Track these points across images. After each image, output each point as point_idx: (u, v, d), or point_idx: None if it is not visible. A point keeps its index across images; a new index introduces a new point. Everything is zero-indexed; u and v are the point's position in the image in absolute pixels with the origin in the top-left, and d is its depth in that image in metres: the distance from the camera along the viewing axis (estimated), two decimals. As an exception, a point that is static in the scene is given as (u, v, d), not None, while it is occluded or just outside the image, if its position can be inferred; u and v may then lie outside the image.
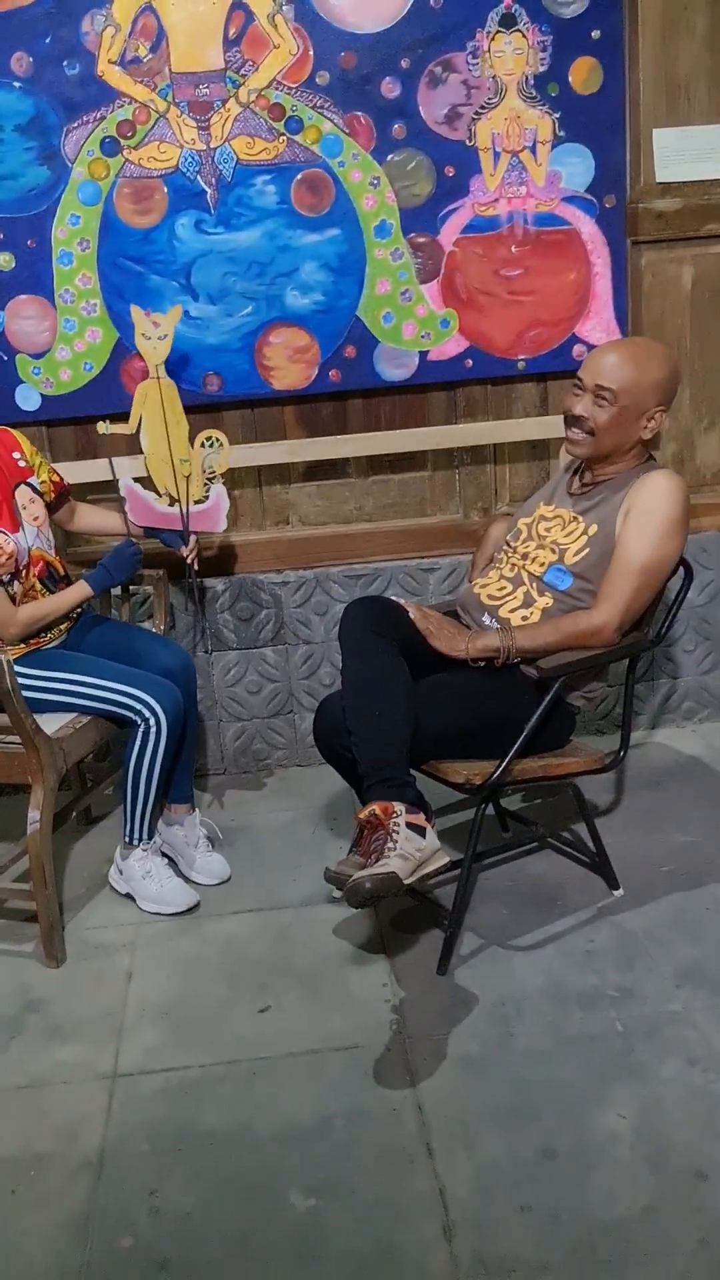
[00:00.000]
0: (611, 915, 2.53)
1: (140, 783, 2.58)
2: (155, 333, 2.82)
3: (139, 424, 2.86)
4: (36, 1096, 2.10)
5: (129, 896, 2.71)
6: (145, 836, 2.65)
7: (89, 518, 2.90)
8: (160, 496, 2.88)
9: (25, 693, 2.41)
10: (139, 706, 2.55)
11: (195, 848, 2.79)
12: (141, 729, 2.55)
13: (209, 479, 2.87)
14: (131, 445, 2.93)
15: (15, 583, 2.59)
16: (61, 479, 2.80)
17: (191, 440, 2.86)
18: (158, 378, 2.84)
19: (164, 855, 2.77)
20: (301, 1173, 1.87)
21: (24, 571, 2.61)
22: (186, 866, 2.79)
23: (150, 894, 2.66)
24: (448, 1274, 1.67)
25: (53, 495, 2.76)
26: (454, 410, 3.23)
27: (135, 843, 2.65)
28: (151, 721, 2.55)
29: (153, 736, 2.56)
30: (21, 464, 2.67)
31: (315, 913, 2.62)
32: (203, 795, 3.23)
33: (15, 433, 2.71)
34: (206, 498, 2.87)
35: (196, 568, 2.92)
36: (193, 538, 2.88)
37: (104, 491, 3.03)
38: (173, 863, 2.79)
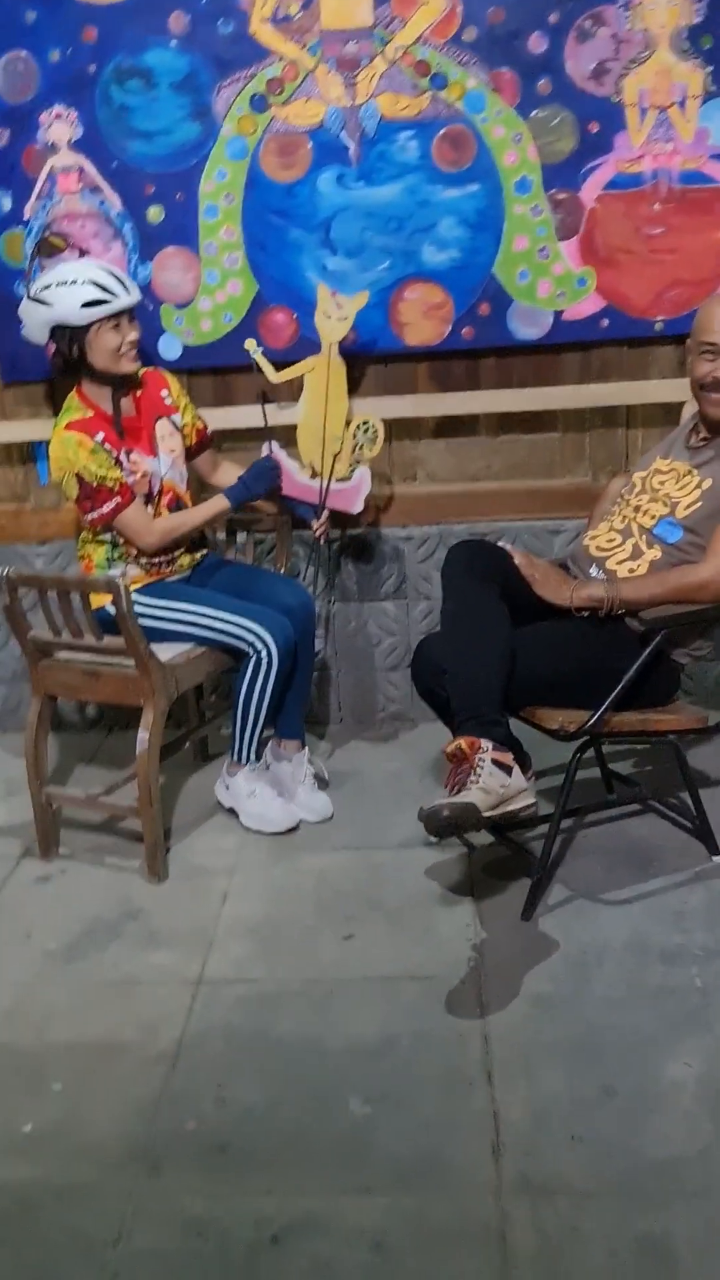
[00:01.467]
0: (708, 879, 2.49)
1: (251, 709, 2.69)
2: (337, 313, 2.91)
3: (302, 400, 2.96)
4: (126, 993, 2.23)
5: (232, 812, 2.82)
6: (253, 759, 2.76)
7: (230, 475, 2.99)
8: (303, 467, 2.96)
9: (142, 620, 2.54)
10: (251, 638, 2.64)
11: (302, 784, 2.88)
12: (253, 659, 2.65)
13: (356, 461, 2.94)
14: (284, 394, 3.04)
15: (149, 506, 2.73)
16: (205, 426, 2.93)
17: (348, 422, 2.93)
18: (328, 355, 2.93)
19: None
20: (363, 1083, 1.93)
21: (156, 499, 2.75)
22: (290, 801, 2.87)
23: (253, 811, 2.77)
24: (490, 1189, 1.70)
25: (195, 440, 2.89)
26: (588, 371, 3.20)
27: (243, 762, 2.76)
28: (264, 653, 2.64)
29: (264, 667, 2.65)
30: (167, 401, 2.83)
31: (409, 854, 2.66)
32: (317, 742, 3.31)
33: (167, 374, 2.89)
34: (349, 477, 2.94)
35: (323, 541, 3.00)
36: (325, 513, 2.95)
37: (241, 441, 3.14)
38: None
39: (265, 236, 3.06)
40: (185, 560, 2.85)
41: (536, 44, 2.91)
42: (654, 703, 2.43)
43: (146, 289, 3.10)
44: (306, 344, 3.08)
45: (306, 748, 2.93)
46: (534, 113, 2.95)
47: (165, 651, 2.63)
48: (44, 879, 2.69)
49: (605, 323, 3.10)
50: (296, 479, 2.95)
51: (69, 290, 2.60)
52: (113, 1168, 1.79)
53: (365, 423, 2.94)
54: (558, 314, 3.10)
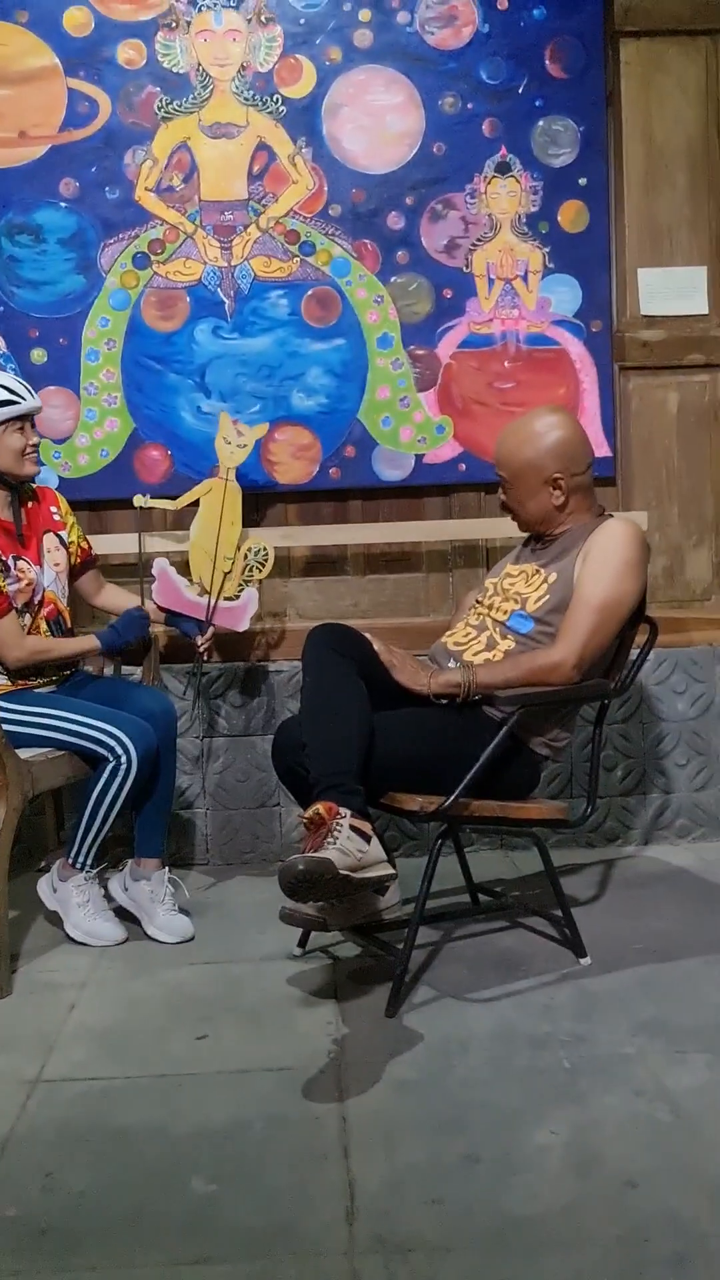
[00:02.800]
0: (576, 979, 2.44)
1: (100, 812, 2.61)
2: (237, 440, 3.04)
3: (196, 521, 3.04)
4: (-47, 1095, 2.03)
5: (55, 915, 2.72)
6: (89, 864, 2.67)
7: (114, 597, 3.02)
8: (192, 584, 3.02)
9: (3, 726, 2.49)
10: (111, 742, 2.60)
11: (160, 903, 2.76)
12: (111, 763, 2.59)
13: (245, 582, 3.03)
14: (158, 524, 3.14)
15: (26, 615, 2.72)
16: (90, 547, 2.98)
17: (238, 545, 3.03)
18: (225, 479, 3.04)
19: (121, 907, 2.76)
20: (208, 1164, 1.78)
21: (36, 608, 2.75)
22: (150, 923, 2.74)
23: (82, 925, 2.67)
24: (341, 1250, 1.55)
25: (79, 559, 2.94)
26: (448, 512, 3.39)
27: (78, 866, 2.66)
28: (123, 758, 2.59)
29: (120, 772, 2.59)
30: (56, 517, 2.89)
31: (272, 965, 2.55)
32: (184, 873, 3.19)
33: (56, 493, 2.96)
34: (237, 597, 3.02)
35: (206, 659, 3.04)
36: (210, 629, 3.00)
37: (122, 575, 3.19)
38: (127, 913, 2.76)
39: (143, 379, 3.23)
40: (54, 677, 2.83)
41: (395, 221, 3.24)
42: (514, 795, 2.45)
43: (25, 424, 3.21)
44: (180, 480, 3.23)
45: (166, 867, 2.83)
46: (393, 279, 3.25)
47: (23, 753, 2.56)
48: None
49: (463, 467, 3.32)
50: (185, 595, 3.00)
51: None
52: None
53: (260, 548, 3.04)
54: (419, 458, 3.30)
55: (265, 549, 3.05)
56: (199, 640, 2.99)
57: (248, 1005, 2.35)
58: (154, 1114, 1.93)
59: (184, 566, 3.06)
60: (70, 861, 2.68)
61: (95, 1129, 1.89)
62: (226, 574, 3.00)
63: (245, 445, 3.06)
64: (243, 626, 3.03)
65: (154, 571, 3.00)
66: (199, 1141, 1.84)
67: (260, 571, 3.05)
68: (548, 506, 2.48)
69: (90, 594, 3.01)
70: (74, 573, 2.93)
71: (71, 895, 2.67)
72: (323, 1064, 2.09)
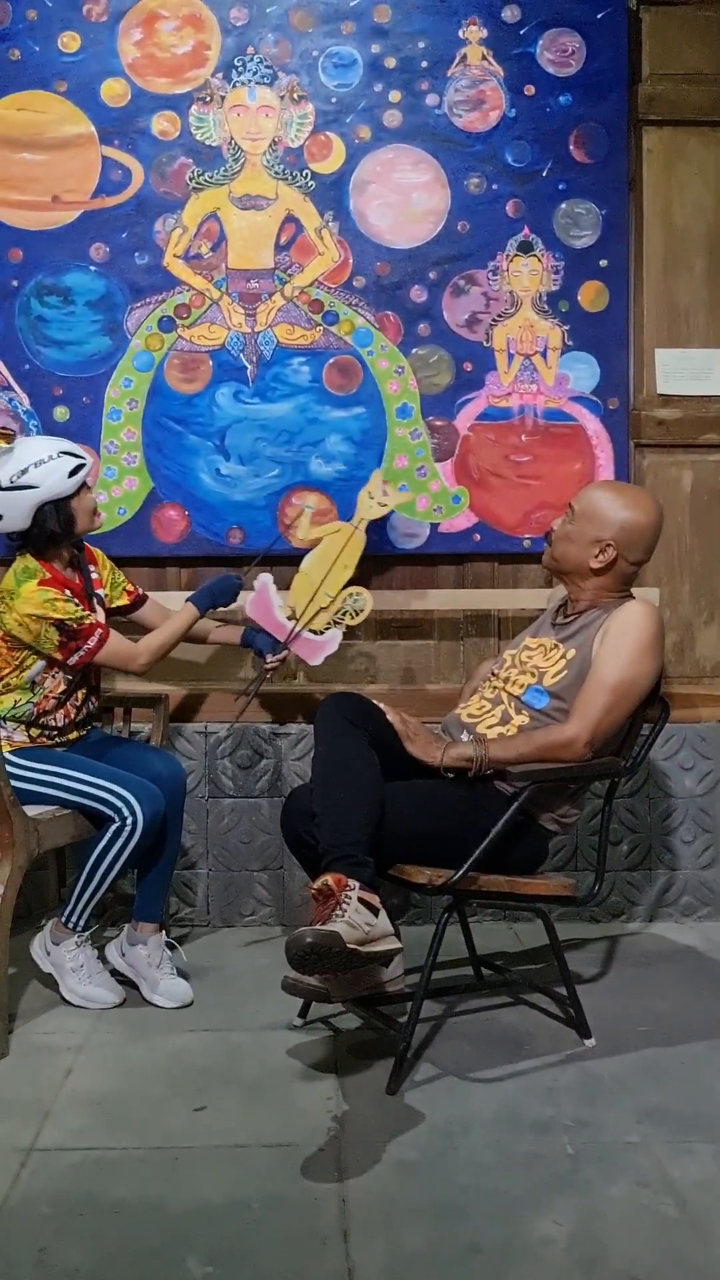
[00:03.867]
0: (580, 1061, 2.40)
1: (99, 873, 2.59)
2: (380, 498, 3.11)
3: (313, 554, 3.10)
4: (-55, 1161, 1.99)
5: (50, 978, 2.69)
6: (82, 925, 2.65)
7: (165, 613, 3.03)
8: (284, 606, 3.06)
9: (11, 782, 2.49)
10: (119, 804, 2.59)
11: (159, 968, 2.73)
12: (116, 824, 2.58)
13: (337, 621, 3.07)
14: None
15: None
16: (135, 588, 3.00)
17: (344, 586, 3.08)
18: (355, 527, 3.10)
19: (118, 972, 2.75)
20: (205, 1244, 1.74)
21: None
22: (149, 989, 2.71)
23: (77, 987, 2.66)
24: (341, 1341, 1.52)
25: (127, 600, 2.97)
26: (462, 582, 3.40)
27: (72, 927, 2.65)
28: (129, 820, 2.58)
29: (124, 833, 2.58)
30: (94, 575, 2.91)
31: (271, 1035, 2.51)
32: (184, 932, 3.16)
33: (94, 549, 2.95)
34: (322, 632, 3.06)
35: (269, 676, 3.06)
36: (285, 652, 3.02)
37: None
38: (123, 976, 2.74)
39: (163, 440, 3.27)
40: (73, 735, 2.83)
41: (417, 294, 3.29)
42: (522, 870, 2.44)
43: (45, 480, 3.25)
44: (197, 540, 3.26)
45: (164, 931, 2.80)
46: (414, 350, 3.30)
47: (30, 810, 2.55)
48: None
49: (478, 537, 3.34)
50: (275, 613, 3.03)
51: (52, 466, 2.67)
52: None
53: (360, 597, 3.09)
54: (434, 526, 3.33)
55: (365, 600, 3.10)
56: (269, 658, 3.01)
57: (247, 1077, 2.32)
58: (150, 1189, 1.90)
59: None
60: (64, 921, 2.65)
61: (90, 1202, 1.86)
62: (323, 609, 3.05)
63: (386, 505, 3.13)
64: (317, 661, 3.07)
65: (255, 585, 3.04)
66: (196, 1220, 1.81)
67: (353, 619, 3.10)
68: (585, 562, 2.50)
69: (153, 620, 3.00)
70: (124, 611, 2.96)
71: (65, 961, 2.65)
72: (322, 1142, 2.05)
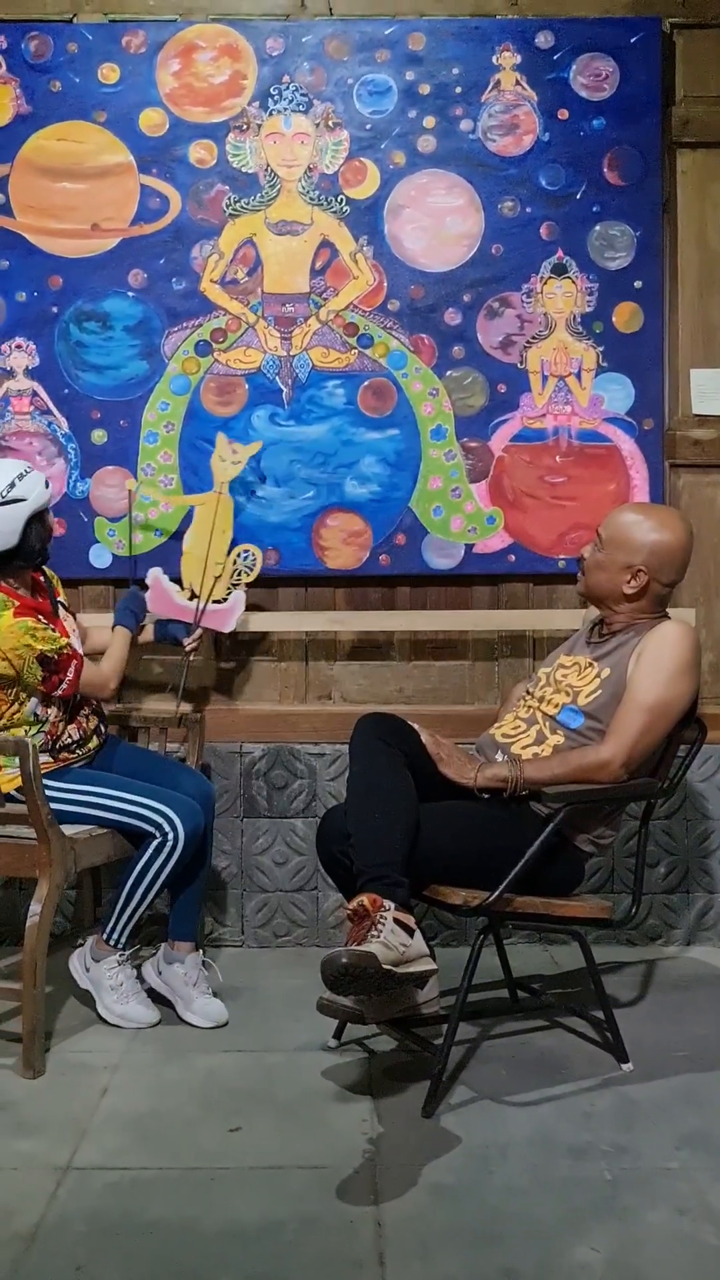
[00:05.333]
0: (617, 1085, 2.38)
1: (140, 889, 2.60)
2: (232, 458, 3.18)
3: (190, 532, 3.16)
4: (-17, 1179, 2.01)
5: (87, 993, 2.71)
6: (123, 942, 2.66)
7: (103, 635, 3.01)
8: (182, 591, 3.11)
9: (51, 804, 2.51)
10: (160, 820, 2.60)
11: (194, 987, 2.73)
12: (157, 840, 2.59)
13: (234, 584, 3.13)
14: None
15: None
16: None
17: (229, 551, 3.15)
18: (219, 493, 3.17)
19: (155, 992, 2.75)
20: (239, 1265, 1.74)
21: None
22: (184, 1007, 2.72)
23: (114, 1006, 2.66)
24: None
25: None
26: (497, 603, 3.40)
27: (114, 944, 2.65)
28: (170, 835, 2.60)
29: (166, 849, 2.59)
30: (59, 597, 2.91)
31: (306, 1056, 2.51)
32: (216, 952, 3.17)
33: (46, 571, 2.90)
34: (225, 599, 3.11)
35: (193, 659, 3.11)
36: (199, 631, 3.07)
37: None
38: (160, 996, 2.74)
39: (199, 463, 3.30)
40: (93, 744, 2.84)
41: (452, 317, 3.31)
42: (558, 892, 2.42)
43: (84, 502, 3.29)
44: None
45: (200, 950, 2.81)
46: (449, 373, 3.31)
47: (67, 829, 2.57)
48: None
49: (512, 558, 3.34)
50: (175, 600, 3.10)
51: (31, 479, 2.67)
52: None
53: (249, 553, 3.15)
54: (469, 547, 3.33)
55: (254, 554, 3.16)
56: (186, 642, 3.05)
57: (282, 1098, 2.31)
58: (185, 1209, 1.90)
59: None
60: (105, 938, 2.66)
61: (126, 1222, 1.87)
62: (217, 578, 3.11)
63: (239, 462, 3.18)
64: (229, 627, 3.13)
65: (147, 580, 3.11)
66: (230, 1241, 1.80)
67: (248, 575, 3.15)
68: (618, 588, 2.50)
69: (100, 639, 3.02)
70: None
71: (104, 978, 2.65)
72: (357, 1164, 2.05)
